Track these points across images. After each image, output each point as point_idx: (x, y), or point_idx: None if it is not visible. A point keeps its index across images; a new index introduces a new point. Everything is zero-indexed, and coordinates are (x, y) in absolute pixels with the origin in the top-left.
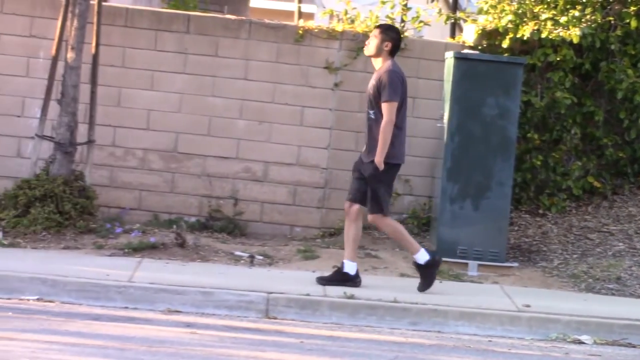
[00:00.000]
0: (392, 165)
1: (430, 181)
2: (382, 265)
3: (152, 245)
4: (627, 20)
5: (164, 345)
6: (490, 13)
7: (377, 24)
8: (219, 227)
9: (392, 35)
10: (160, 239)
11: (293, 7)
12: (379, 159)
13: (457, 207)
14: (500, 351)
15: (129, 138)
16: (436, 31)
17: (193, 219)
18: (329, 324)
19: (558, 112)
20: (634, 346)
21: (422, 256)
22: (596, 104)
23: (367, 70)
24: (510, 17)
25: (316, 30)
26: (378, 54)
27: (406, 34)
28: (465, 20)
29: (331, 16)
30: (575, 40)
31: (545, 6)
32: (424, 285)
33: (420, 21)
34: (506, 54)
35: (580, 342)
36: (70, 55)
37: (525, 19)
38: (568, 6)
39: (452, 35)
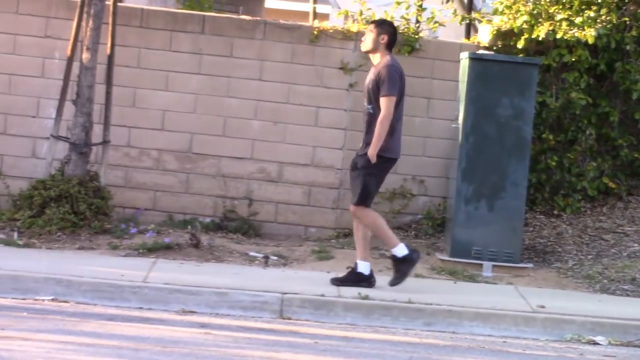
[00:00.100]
0: (386, 159)
1: (445, 182)
2: None
3: (167, 246)
4: None
5: (178, 346)
6: (505, 14)
7: (372, 20)
8: (234, 228)
9: (387, 29)
10: (174, 239)
11: (308, 7)
12: (372, 151)
13: (472, 207)
14: (515, 352)
15: (144, 138)
16: (451, 32)
17: (208, 220)
18: (344, 324)
19: (573, 112)
20: None
21: (401, 250)
22: (611, 105)
23: None
24: (526, 17)
25: (331, 31)
26: (375, 48)
27: (421, 34)
28: (480, 21)
29: (346, 17)
30: (591, 41)
31: (561, 7)
32: (396, 280)
33: (435, 22)
34: (521, 55)
35: (595, 343)
36: (86, 55)
37: (540, 20)
38: (583, 7)
39: (467, 35)
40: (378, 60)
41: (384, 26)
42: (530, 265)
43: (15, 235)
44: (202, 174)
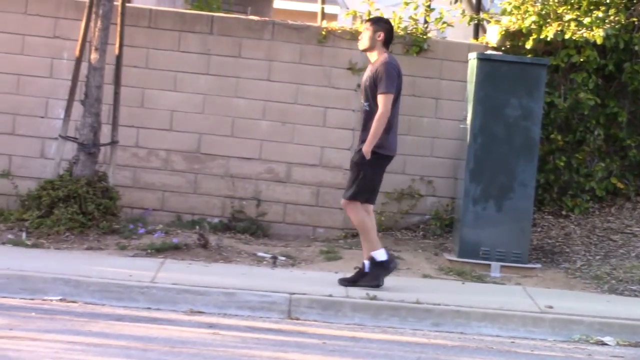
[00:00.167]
0: (381, 156)
1: (453, 182)
2: (405, 266)
3: (175, 246)
4: None
5: (186, 346)
6: (513, 14)
7: (368, 18)
8: (242, 228)
9: (383, 26)
10: (183, 239)
11: (316, 8)
12: (366, 147)
13: (480, 208)
14: (523, 352)
15: (152, 139)
16: (459, 32)
17: (216, 220)
18: (352, 324)
19: (581, 113)
20: None
21: (381, 255)
22: (620, 105)
23: None
24: (534, 18)
25: (339, 31)
26: (372, 46)
27: (429, 35)
28: (488, 21)
29: (354, 17)
30: (599, 41)
31: (569, 7)
32: (366, 281)
33: (444, 22)
34: (529, 55)
35: (603, 344)
36: (94, 56)
37: (548, 20)
38: (592, 7)
39: (476, 36)
40: (375, 57)
41: (380, 23)
42: (539, 265)
43: (24, 235)
44: (211, 175)
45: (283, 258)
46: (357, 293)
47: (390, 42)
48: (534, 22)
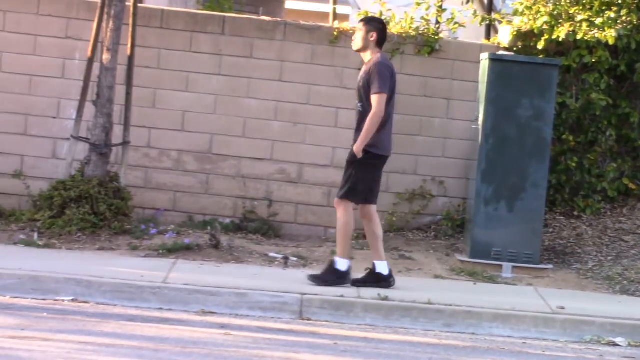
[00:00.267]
0: (374, 155)
1: (465, 183)
2: (416, 266)
3: (187, 247)
4: None
5: (198, 347)
6: (525, 14)
7: (361, 18)
8: (254, 229)
9: (376, 26)
10: (194, 240)
11: (328, 8)
12: (357, 146)
13: (492, 208)
14: (535, 353)
15: (164, 139)
16: (471, 33)
17: (227, 221)
18: (363, 325)
19: (593, 113)
20: None
21: (343, 265)
22: (631, 106)
23: (401, 72)
24: (546, 18)
25: (351, 32)
26: (365, 46)
27: (441, 35)
28: (500, 22)
29: None
30: (611, 42)
31: (581, 7)
32: (318, 279)
33: (456, 23)
34: (541, 56)
35: (615, 345)
36: (106, 56)
37: (560, 21)
38: (603, 7)
39: (487, 36)
40: (369, 58)
41: (373, 23)
42: (550, 266)
43: (36, 235)
44: (222, 175)
45: (294, 259)
46: (369, 294)
47: (383, 42)
48: (545, 22)
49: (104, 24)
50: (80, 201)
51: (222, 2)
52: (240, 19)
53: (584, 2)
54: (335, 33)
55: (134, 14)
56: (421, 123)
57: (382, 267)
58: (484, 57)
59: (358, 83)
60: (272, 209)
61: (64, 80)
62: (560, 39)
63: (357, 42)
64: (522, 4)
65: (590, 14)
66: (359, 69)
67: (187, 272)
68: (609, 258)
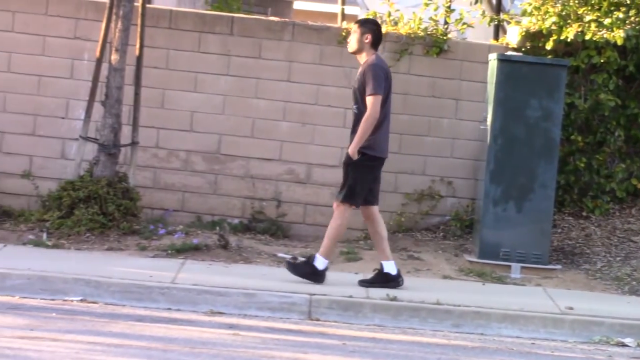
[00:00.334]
0: (370, 156)
1: (473, 183)
2: (425, 267)
3: (195, 247)
4: None
5: (206, 347)
6: (533, 15)
7: (355, 20)
8: (262, 229)
9: (370, 27)
10: (203, 240)
11: (336, 9)
12: (352, 149)
13: (500, 209)
14: (543, 354)
15: (173, 140)
16: (479, 33)
17: (236, 221)
18: (372, 325)
19: (602, 114)
20: None
21: (321, 264)
22: None
23: (410, 73)
24: (554, 18)
25: None
26: (360, 48)
27: (449, 35)
28: (508, 22)
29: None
30: (619, 42)
31: (589, 8)
32: (292, 266)
33: (464, 23)
34: (550, 56)
35: (624, 345)
36: (114, 57)
37: (569, 21)
38: (612, 8)
39: (496, 37)
40: (364, 59)
41: (367, 25)
42: (559, 266)
43: (44, 236)
44: (231, 175)
45: (303, 259)
46: (378, 294)
47: (378, 43)
48: (554, 23)
49: (112, 25)
50: (89, 201)
51: (230, 2)
52: (248, 20)
53: (593, 2)
54: (344, 33)
55: (143, 15)
56: (430, 123)
57: (390, 267)
58: (493, 58)
59: (353, 85)
60: (281, 209)
61: (73, 81)
62: (569, 40)
63: (352, 45)
64: (530, 4)
65: (598, 14)
66: None
67: (195, 273)
68: (618, 258)
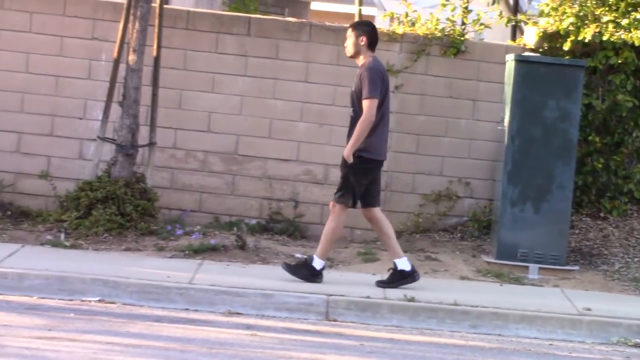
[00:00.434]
0: (365, 159)
1: (491, 184)
2: (443, 268)
3: (213, 248)
4: None
5: (224, 347)
6: (551, 15)
7: (350, 24)
8: (280, 230)
9: (364, 29)
10: (220, 241)
11: (354, 9)
12: (346, 151)
13: (518, 210)
14: (561, 355)
15: (190, 140)
16: (497, 34)
17: (253, 221)
18: (389, 326)
19: (619, 114)
20: None
21: (319, 264)
22: None
23: (427, 73)
24: (572, 19)
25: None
26: (357, 52)
27: (467, 36)
28: (526, 23)
29: (392, 19)
30: (637, 43)
31: (607, 9)
32: (290, 268)
33: (481, 24)
34: (567, 57)
35: None
36: (132, 57)
37: (586, 22)
38: (630, 9)
39: (513, 37)
40: (362, 62)
41: (361, 27)
42: (577, 267)
43: (62, 236)
44: (248, 176)
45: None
46: (395, 294)
47: (375, 45)
48: (571, 23)
49: (130, 25)
50: (106, 202)
51: (247, 3)
52: (265, 20)
53: (610, 3)
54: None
55: (160, 15)
56: (447, 124)
57: (403, 264)
58: (510, 58)
59: (351, 88)
60: (298, 210)
61: (90, 81)
62: (586, 40)
63: (349, 49)
64: (548, 5)
65: (616, 15)
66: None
67: (213, 273)
68: (636, 259)
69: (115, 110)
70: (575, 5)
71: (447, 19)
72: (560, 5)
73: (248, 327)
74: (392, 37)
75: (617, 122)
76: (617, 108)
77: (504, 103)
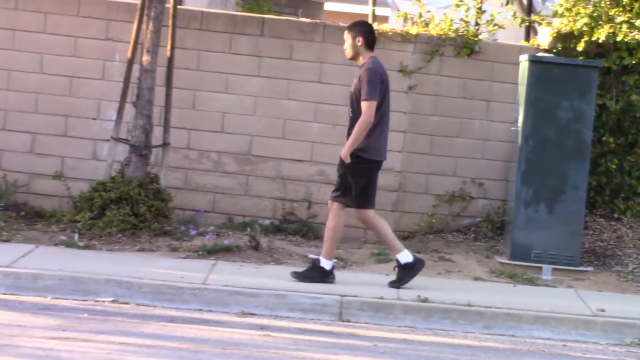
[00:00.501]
0: (364, 159)
1: (505, 184)
2: (456, 268)
3: (226, 248)
4: None
5: (238, 348)
6: (565, 16)
7: (346, 26)
8: (293, 230)
9: (360, 29)
10: (234, 241)
11: (367, 10)
12: (344, 152)
13: (532, 210)
14: (575, 355)
15: (204, 141)
16: (510, 34)
17: (267, 222)
18: (403, 327)
19: (633, 115)
20: None
21: (327, 264)
22: None
23: (441, 74)
24: (586, 20)
25: (390, 34)
26: (356, 53)
27: (480, 37)
28: (540, 23)
29: (405, 19)
30: None
31: (621, 9)
32: (300, 275)
33: (495, 24)
34: (581, 57)
35: None
36: (146, 58)
37: (600, 22)
38: None
39: (527, 38)
40: (361, 63)
41: (357, 28)
42: (590, 268)
43: (76, 236)
44: (262, 177)
45: (334, 260)
46: (409, 295)
47: (373, 44)
48: (585, 24)
49: (143, 26)
50: (120, 202)
51: (261, 3)
52: (279, 21)
53: (624, 3)
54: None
55: (174, 16)
56: (461, 124)
57: (405, 257)
58: (524, 59)
59: (351, 89)
60: (312, 210)
61: (104, 82)
62: (600, 41)
63: (347, 51)
64: (561, 5)
65: (630, 15)
66: (400, 71)
67: (226, 274)
68: None
69: (129, 110)
70: (589, 6)
71: (461, 19)
72: (574, 5)
73: (261, 327)
74: (406, 38)
75: (631, 123)
76: (631, 108)
77: (517, 103)
